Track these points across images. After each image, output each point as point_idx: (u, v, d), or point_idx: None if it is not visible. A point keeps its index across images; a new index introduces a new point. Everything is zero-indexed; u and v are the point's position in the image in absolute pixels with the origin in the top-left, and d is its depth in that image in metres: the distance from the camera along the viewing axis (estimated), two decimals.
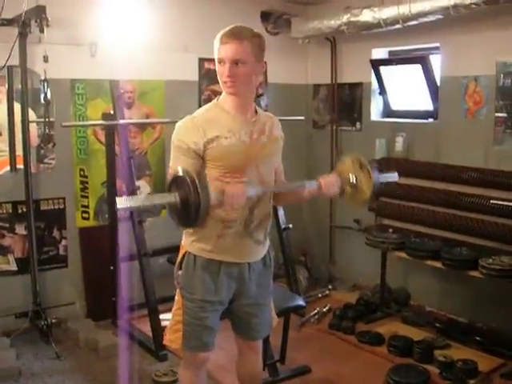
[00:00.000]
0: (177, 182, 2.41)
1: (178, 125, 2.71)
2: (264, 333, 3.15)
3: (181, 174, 2.38)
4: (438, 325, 4.75)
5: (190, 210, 2.34)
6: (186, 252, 2.83)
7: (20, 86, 4.40)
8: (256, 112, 2.82)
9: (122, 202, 2.32)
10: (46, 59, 4.18)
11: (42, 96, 4.45)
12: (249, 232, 2.78)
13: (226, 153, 2.64)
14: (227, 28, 2.66)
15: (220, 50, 2.63)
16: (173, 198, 2.37)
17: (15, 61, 4.36)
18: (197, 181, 2.32)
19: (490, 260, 4.28)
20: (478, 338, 4.48)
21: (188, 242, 2.83)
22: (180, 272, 2.84)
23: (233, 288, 2.85)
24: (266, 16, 5.79)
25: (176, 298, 2.91)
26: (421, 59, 5.19)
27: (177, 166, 2.55)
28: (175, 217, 2.46)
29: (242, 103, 2.73)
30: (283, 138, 2.94)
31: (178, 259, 2.87)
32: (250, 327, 3.02)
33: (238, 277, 2.83)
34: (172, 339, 2.92)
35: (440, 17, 4.48)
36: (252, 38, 2.65)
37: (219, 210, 2.55)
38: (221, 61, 2.64)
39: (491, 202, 4.51)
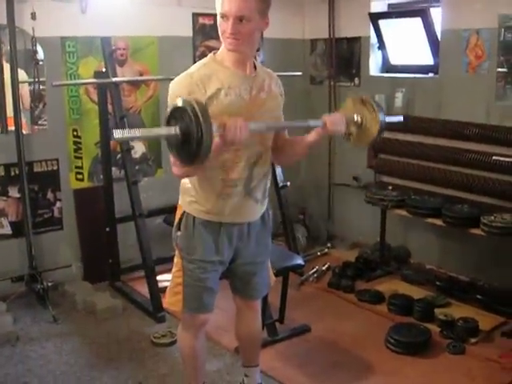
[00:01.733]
0: (176, 113, 2.28)
1: (174, 82, 2.59)
2: (263, 292, 3.15)
3: (181, 104, 2.26)
4: (438, 283, 4.73)
5: (192, 143, 2.21)
6: (184, 212, 2.77)
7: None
8: (255, 68, 2.72)
9: (119, 133, 2.15)
10: (33, 16, 4.06)
11: (32, 55, 4.34)
12: (248, 191, 2.73)
13: (225, 111, 2.53)
14: None
15: (223, 4, 2.47)
16: (173, 130, 2.24)
17: (3, 20, 4.24)
18: (199, 112, 2.19)
19: (492, 217, 4.23)
20: (478, 296, 4.45)
21: (185, 202, 2.77)
22: (179, 233, 2.79)
23: (233, 247, 2.81)
24: None
25: (175, 259, 2.86)
26: (421, 12, 5.04)
27: None
28: (175, 151, 2.34)
29: (242, 59, 2.62)
30: (283, 96, 2.85)
31: (176, 220, 2.82)
32: (250, 286, 3.00)
33: (238, 236, 2.80)
34: (172, 302, 2.89)
35: None
36: None
37: (221, 148, 2.43)
38: (223, 16, 2.49)
39: (493, 158, 4.43)
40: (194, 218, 2.73)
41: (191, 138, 2.20)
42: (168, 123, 2.31)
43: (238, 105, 2.58)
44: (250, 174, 2.71)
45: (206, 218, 2.71)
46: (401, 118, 3.17)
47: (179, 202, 2.83)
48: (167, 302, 2.94)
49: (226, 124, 2.34)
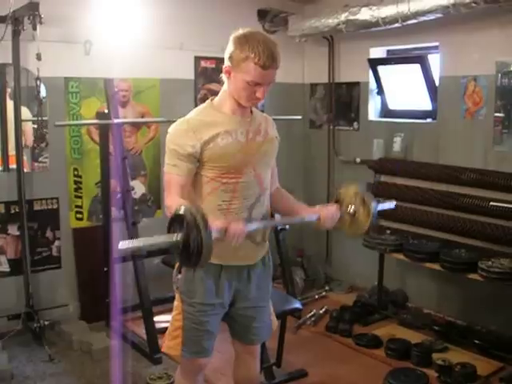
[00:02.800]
0: (178, 220, 2.33)
1: (172, 128, 2.65)
2: (263, 337, 3.10)
3: (182, 212, 2.31)
4: (436, 327, 4.70)
5: (193, 252, 2.28)
6: None
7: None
8: (251, 112, 2.77)
9: (123, 244, 2.25)
10: (39, 57, 4.10)
11: (35, 94, 4.39)
12: (247, 234, 2.72)
13: (222, 153, 2.59)
14: (263, 45, 2.54)
15: (259, 73, 2.52)
16: (174, 238, 2.31)
17: (8, 59, 4.31)
18: (199, 222, 2.24)
19: (490, 262, 4.23)
20: (476, 341, 4.42)
21: None
22: (179, 276, 2.77)
23: (233, 290, 2.79)
24: (262, 14, 5.74)
25: (175, 303, 2.83)
26: (419, 59, 5.13)
27: (173, 171, 2.58)
28: (177, 257, 2.41)
29: (243, 108, 2.68)
30: (279, 140, 2.89)
31: (177, 263, 2.80)
32: (250, 331, 2.95)
33: (238, 279, 2.78)
34: (171, 345, 2.85)
35: (439, 16, 4.42)
36: (280, 57, 2.63)
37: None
38: (253, 82, 2.55)
39: (491, 203, 4.45)
40: None
41: (191, 247, 2.26)
42: (169, 229, 2.37)
43: (234, 147, 2.62)
44: (249, 216, 2.71)
45: None
46: (393, 203, 3.25)
47: None
48: (166, 345, 2.89)
49: (227, 228, 2.39)
